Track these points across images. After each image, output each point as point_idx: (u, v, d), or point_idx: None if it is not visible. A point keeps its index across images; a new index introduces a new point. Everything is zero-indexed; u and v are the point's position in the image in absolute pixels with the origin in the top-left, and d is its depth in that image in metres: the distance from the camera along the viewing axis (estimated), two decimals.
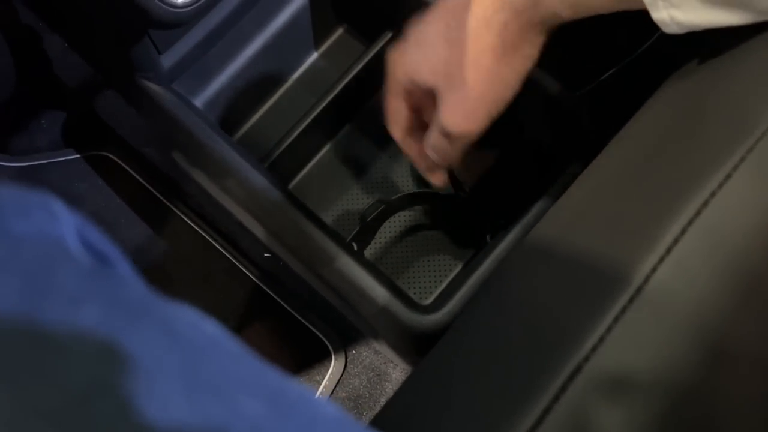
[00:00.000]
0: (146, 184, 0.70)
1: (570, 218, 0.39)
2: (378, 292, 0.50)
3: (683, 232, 0.30)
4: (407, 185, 0.63)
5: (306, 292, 0.64)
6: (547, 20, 0.39)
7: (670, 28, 0.35)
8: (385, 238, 0.62)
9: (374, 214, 0.57)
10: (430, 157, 0.47)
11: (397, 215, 0.62)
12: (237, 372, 0.20)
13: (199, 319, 0.21)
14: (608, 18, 0.37)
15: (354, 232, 0.57)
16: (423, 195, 0.61)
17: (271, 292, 0.67)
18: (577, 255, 0.34)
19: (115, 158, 0.71)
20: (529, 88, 0.43)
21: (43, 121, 0.71)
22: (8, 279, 0.19)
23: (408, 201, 0.60)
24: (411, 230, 0.63)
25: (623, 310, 0.29)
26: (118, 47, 0.56)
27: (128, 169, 0.71)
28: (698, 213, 0.30)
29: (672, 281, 0.29)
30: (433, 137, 0.45)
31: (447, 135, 0.44)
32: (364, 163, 0.64)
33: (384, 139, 0.62)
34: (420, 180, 0.62)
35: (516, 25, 0.39)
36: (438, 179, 0.52)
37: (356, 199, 0.63)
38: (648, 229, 0.31)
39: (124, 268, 0.26)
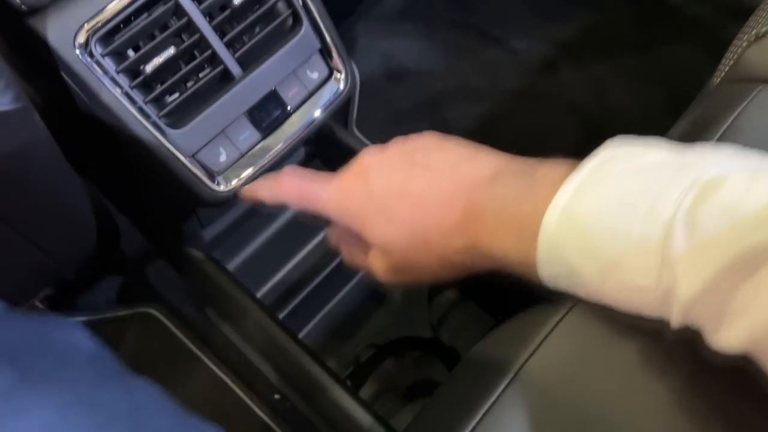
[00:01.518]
0: (181, 336, 0.82)
1: None
2: (373, 428, 0.60)
3: None
4: (397, 329, 0.76)
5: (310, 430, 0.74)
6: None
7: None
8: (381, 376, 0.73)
9: (366, 357, 0.68)
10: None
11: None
12: None
13: None
14: None
15: (348, 371, 0.69)
16: (415, 340, 0.73)
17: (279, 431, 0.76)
18: None
19: (158, 314, 0.84)
20: None
21: (102, 283, 0.86)
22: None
23: (400, 346, 0.72)
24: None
25: None
26: (170, 223, 0.72)
27: (168, 324, 0.84)
28: None
29: None
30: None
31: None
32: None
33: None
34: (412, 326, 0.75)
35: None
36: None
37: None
38: None
39: None
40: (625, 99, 0.91)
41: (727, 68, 0.59)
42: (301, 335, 0.76)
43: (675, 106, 0.71)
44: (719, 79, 0.59)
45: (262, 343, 0.70)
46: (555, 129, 0.90)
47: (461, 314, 0.74)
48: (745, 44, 0.59)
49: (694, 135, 0.53)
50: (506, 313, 0.49)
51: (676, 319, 0.30)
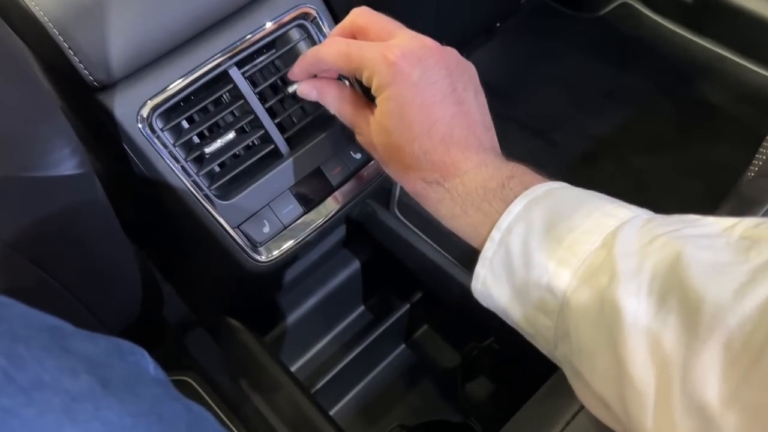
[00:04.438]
0: (213, 405, 0.83)
1: None
2: None
3: None
4: (428, 412, 0.75)
5: None
6: None
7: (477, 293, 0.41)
8: None
9: None
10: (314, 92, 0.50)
11: None
12: None
13: None
14: None
15: None
16: (445, 424, 0.72)
17: None
18: None
19: (193, 383, 0.85)
20: None
21: (142, 350, 0.88)
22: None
23: (430, 429, 0.71)
24: None
25: None
26: (212, 292, 0.75)
27: (201, 392, 0.85)
28: None
29: None
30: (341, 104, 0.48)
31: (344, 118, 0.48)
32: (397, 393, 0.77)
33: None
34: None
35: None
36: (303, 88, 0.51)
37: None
38: None
39: None
40: (664, 192, 0.92)
41: (761, 163, 0.59)
42: (332, 412, 0.76)
43: (712, 200, 0.72)
44: (753, 174, 0.60)
45: (292, 418, 0.70)
46: None
47: (493, 400, 0.74)
48: None
49: None
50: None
51: None
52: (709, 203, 0.61)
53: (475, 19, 0.86)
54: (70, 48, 0.46)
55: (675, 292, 0.32)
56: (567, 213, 0.38)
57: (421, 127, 0.42)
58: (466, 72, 0.45)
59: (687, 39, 1.07)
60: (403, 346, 0.80)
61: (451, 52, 0.45)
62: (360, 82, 0.46)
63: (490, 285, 0.40)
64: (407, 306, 0.77)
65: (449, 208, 0.43)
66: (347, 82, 0.53)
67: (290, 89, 0.53)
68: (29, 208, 0.41)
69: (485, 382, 0.77)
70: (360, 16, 0.47)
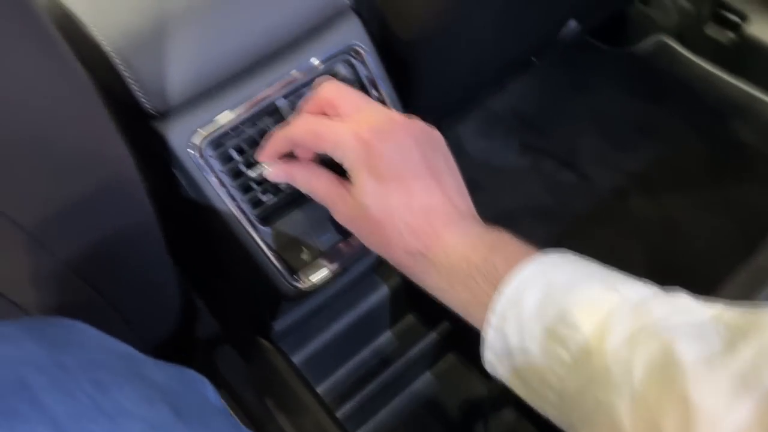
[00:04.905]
0: (239, 423, 0.84)
1: None
2: None
3: None
4: None
5: None
6: None
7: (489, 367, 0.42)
8: None
9: None
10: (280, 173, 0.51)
11: None
12: None
13: None
14: None
15: None
16: None
17: None
18: None
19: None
20: None
21: (173, 362, 0.90)
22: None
23: None
24: None
25: None
26: (244, 312, 0.76)
27: (228, 409, 0.86)
28: None
29: None
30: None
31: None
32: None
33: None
34: None
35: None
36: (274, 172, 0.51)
37: None
38: None
39: None
40: (695, 230, 0.92)
41: None
42: None
43: (746, 240, 0.72)
44: None
45: None
46: (621, 254, 0.91)
47: None
48: None
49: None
50: None
51: None
52: (740, 244, 0.61)
53: (512, 54, 0.88)
54: (130, 77, 0.48)
55: (668, 396, 0.32)
56: (557, 299, 0.38)
57: (399, 200, 0.43)
58: (433, 139, 0.47)
59: (721, 78, 1.07)
60: (428, 373, 0.81)
61: (417, 123, 0.47)
62: (331, 160, 0.47)
63: (495, 364, 0.41)
64: (434, 334, 0.78)
65: (435, 281, 0.44)
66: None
67: (258, 172, 0.53)
68: (88, 229, 0.43)
69: (511, 413, 0.77)
70: (329, 90, 0.48)
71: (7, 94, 0.32)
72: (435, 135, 0.47)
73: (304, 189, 0.50)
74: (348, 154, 0.44)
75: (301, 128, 0.47)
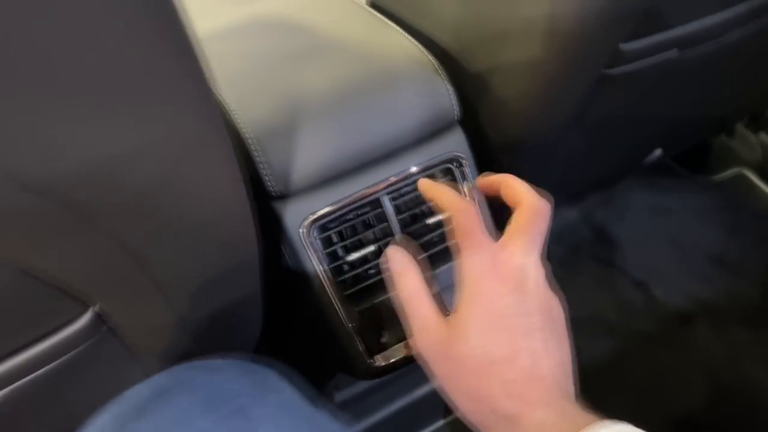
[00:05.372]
0: None
1: None
2: None
3: None
4: None
5: None
6: None
7: None
8: None
9: None
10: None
11: None
12: None
13: None
14: None
15: None
16: None
17: None
18: None
19: None
20: None
21: None
22: None
23: None
24: None
25: None
26: (314, 381, 0.80)
27: None
28: None
29: None
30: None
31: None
32: None
33: None
34: None
35: None
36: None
37: None
38: None
39: None
40: (761, 369, 0.92)
41: None
42: None
43: None
44: None
45: None
46: (682, 382, 0.91)
47: None
48: None
49: None
50: None
51: None
52: None
53: (597, 178, 0.92)
54: (260, 162, 0.55)
55: None
56: None
57: (504, 351, 0.39)
58: (559, 317, 0.43)
59: None
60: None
61: (547, 289, 0.43)
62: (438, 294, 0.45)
63: None
64: None
65: None
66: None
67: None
68: (207, 294, 0.49)
69: None
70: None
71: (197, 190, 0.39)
72: (560, 313, 0.44)
73: (402, 289, 0.46)
74: (472, 275, 0.42)
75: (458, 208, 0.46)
